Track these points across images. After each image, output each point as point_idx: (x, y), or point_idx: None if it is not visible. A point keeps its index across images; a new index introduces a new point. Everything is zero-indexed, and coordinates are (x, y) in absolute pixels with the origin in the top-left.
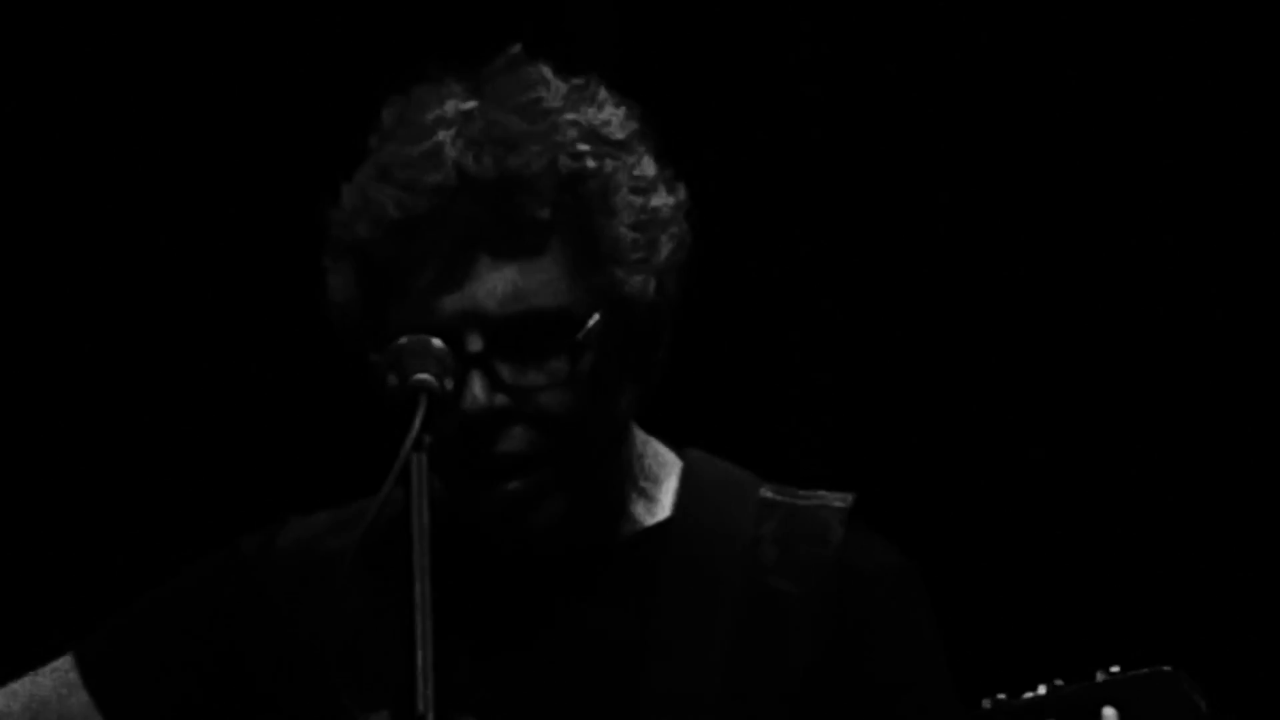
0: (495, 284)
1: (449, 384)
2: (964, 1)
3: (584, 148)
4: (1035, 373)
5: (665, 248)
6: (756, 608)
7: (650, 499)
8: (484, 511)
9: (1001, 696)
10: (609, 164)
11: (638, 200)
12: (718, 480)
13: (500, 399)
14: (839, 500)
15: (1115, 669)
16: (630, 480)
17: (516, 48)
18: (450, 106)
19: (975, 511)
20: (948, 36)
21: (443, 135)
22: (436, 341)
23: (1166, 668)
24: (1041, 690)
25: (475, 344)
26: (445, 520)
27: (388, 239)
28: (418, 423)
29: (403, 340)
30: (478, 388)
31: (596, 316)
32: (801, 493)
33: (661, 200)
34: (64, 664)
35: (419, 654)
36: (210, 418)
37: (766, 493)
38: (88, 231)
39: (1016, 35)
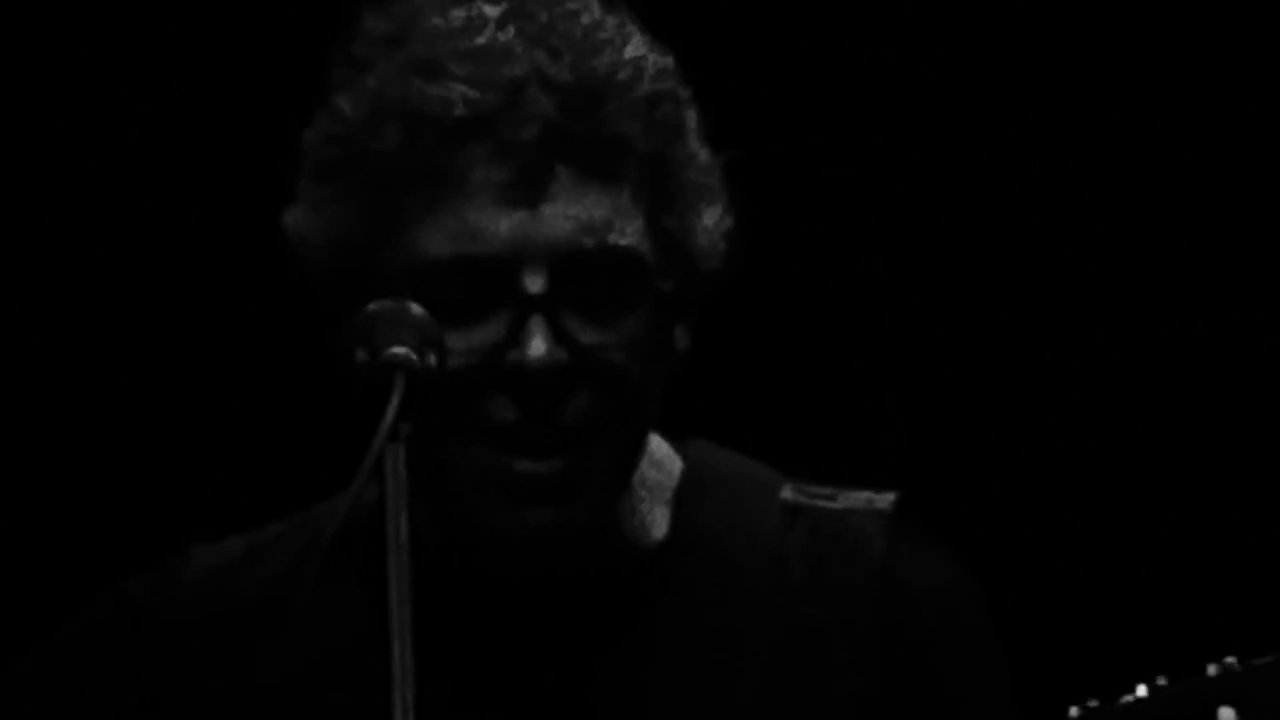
0: (568, 209)
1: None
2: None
3: (661, 65)
4: (1115, 355)
5: (724, 210)
6: (785, 641)
7: (650, 507)
8: (505, 499)
9: (1093, 703)
10: (682, 94)
11: (704, 149)
12: (730, 481)
13: (563, 355)
14: (879, 501)
15: (1230, 660)
16: (630, 485)
17: None
18: (486, 7)
19: (1052, 492)
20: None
21: (500, 32)
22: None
23: None
24: (1141, 692)
25: (536, 284)
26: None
27: (434, 147)
28: (393, 408)
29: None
30: (541, 338)
31: (668, 269)
32: (831, 492)
33: (713, 158)
34: None
35: (398, 696)
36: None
37: (789, 494)
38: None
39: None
